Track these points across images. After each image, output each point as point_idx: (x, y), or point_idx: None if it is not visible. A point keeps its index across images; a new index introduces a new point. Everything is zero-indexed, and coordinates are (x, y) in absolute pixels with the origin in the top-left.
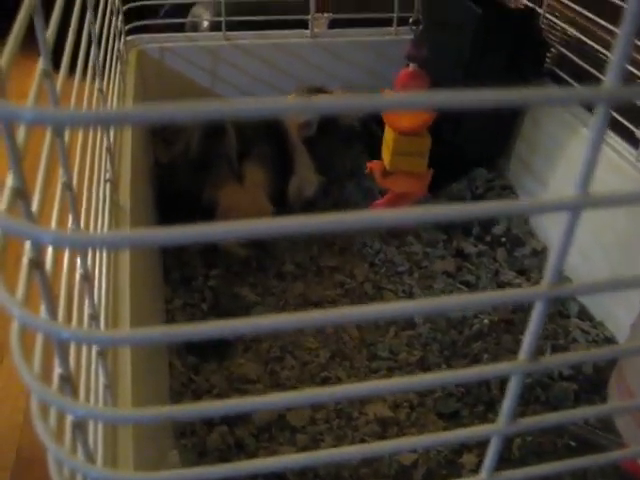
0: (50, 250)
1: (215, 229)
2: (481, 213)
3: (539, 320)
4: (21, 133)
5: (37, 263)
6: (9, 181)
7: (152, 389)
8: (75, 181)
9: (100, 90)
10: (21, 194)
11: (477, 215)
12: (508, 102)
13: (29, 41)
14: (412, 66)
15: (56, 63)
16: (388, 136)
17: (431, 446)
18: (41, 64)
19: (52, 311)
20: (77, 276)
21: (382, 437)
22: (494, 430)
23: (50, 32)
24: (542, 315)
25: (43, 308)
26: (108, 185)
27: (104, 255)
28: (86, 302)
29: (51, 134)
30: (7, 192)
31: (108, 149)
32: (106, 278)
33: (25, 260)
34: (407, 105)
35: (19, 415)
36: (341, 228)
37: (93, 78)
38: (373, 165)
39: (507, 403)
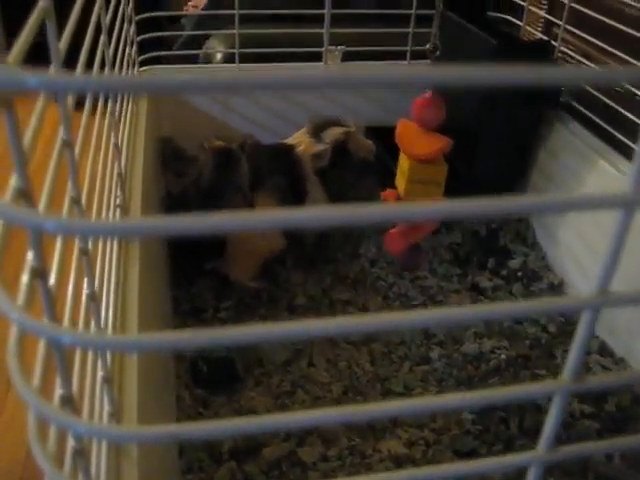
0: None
1: (224, 220)
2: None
3: (586, 333)
4: (27, 137)
5: (39, 271)
6: (12, 181)
7: (159, 421)
8: (83, 199)
9: (112, 114)
10: (24, 195)
11: (511, 209)
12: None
13: (37, 55)
14: (429, 92)
15: None
16: (403, 163)
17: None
18: (52, 70)
19: (53, 318)
20: (83, 296)
21: None
22: (534, 458)
23: (63, 42)
24: (590, 327)
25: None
26: (118, 211)
27: (112, 277)
28: (92, 323)
29: (60, 146)
30: (10, 192)
31: (120, 174)
32: (113, 304)
33: (27, 265)
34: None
35: (22, 449)
36: (361, 221)
37: (105, 104)
38: (387, 194)
39: (549, 427)
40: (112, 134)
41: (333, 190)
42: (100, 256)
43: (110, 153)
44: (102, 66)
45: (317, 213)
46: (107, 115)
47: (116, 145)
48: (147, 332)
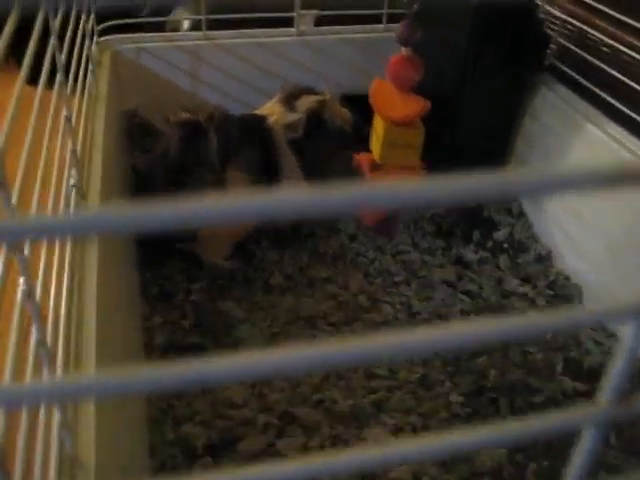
0: None
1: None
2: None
3: (632, 347)
4: None
5: None
6: None
7: (125, 418)
8: (37, 185)
9: (63, 85)
10: None
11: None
12: None
13: None
14: (405, 51)
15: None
16: (378, 126)
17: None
18: None
19: None
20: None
21: None
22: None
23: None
24: (637, 341)
25: None
26: (73, 191)
27: (66, 264)
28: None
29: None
30: None
31: (73, 151)
32: (67, 296)
33: None
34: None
35: None
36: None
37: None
38: (361, 157)
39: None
40: (64, 107)
41: (308, 162)
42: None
43: (61, 128)
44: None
45: (291, 200)
46: (55, 86)
47: (68, 119)
48: (108, 331)
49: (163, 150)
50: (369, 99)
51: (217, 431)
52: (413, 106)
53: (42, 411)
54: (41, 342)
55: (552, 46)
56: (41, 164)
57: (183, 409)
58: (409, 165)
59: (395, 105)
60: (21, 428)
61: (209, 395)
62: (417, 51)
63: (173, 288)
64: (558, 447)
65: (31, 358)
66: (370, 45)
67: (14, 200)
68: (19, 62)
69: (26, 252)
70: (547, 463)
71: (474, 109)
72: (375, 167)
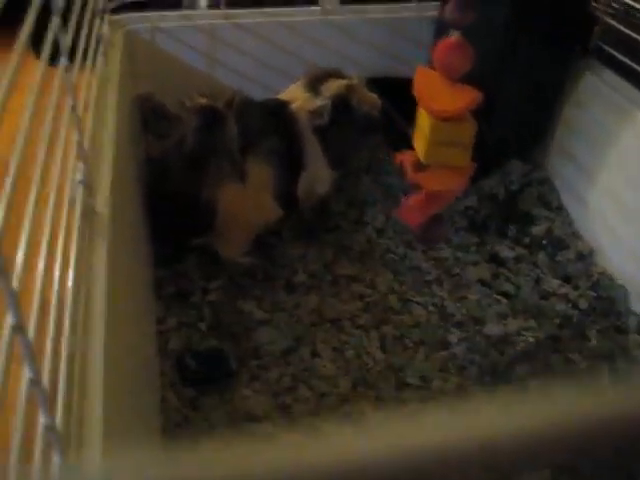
0: None
1: None
2: None
3: None
4: None
5: None
6: None
7: (139, 429)
8: (36, 179)
9: (67, 71)
10: None
11: None
12: None
13: None
14: (454, 35)
15: None
16: (423, 122)
17: None
18: None
19: None
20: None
21: None
22: None
23: None
24: None
25: None
26: (80, 187)
27: (71, 262)
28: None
29: None
30: None
31: (79, 142)
32: (72, 296)
33: None
34: None
35: None
36: None
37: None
38: (404, 156)
39: None
40: (69, 96)
41: (333, 151)
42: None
43: (66, 117)
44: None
45: None
46: (59, 72)
47: (73, 107)
48: (117, 336)
49: (179, 137)
50: (412, 90)
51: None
52: (463, 98)
53: None
54: (34, 381)
55: (597, 27)
56: (41, 157)
57: (200, 422)
58: (458, 165)
59: (443, 97)
60: None
61: (228, 406)
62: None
63: (189, 287)
64: (608, 471)
65: (23, 395)
66: (400, 25)
67: (3, 208)
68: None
69: (21, 256)
70: None
71: (513, 96)
72: (419, 167)
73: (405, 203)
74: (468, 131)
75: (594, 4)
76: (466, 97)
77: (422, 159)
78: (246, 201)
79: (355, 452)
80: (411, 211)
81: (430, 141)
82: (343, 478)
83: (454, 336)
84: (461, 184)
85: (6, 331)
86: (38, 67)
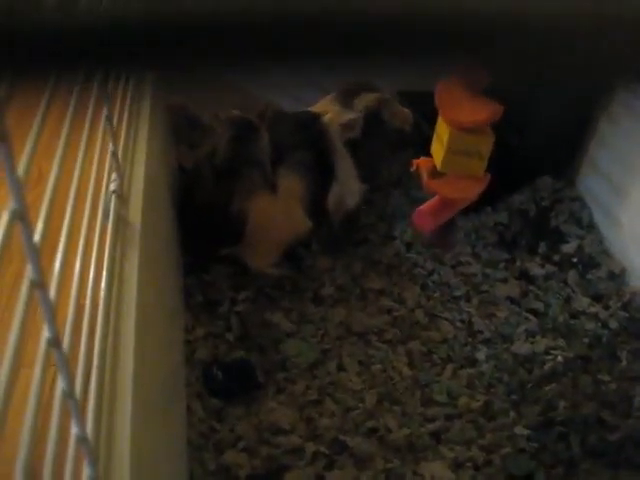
0: None
1: None
2: None
3: None
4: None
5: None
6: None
7: (166, 439)
8: (73, 189)
9: (103, 86)
10: None
11: None
12: None
13: None
14: None
15: None
16: (442, 130)
17: None
18: None
19: None
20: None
21: None
22: None
23: None
24: None
25: None
26: (114, 197)
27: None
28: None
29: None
30: None
31: (114, 153)
32: (104, 303)
33: None
34: None
35: None
36: None
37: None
38: (421, 162)
39: None
40: (105, 106)
41: (364, 164)
42: (83, 242)
43: (101, 130)
44: None
45: None
46: (95, 83)
47: (109, 118)
48: (147, 346)
49: (212, 148)
50: (434, 100)
51: (261, 459)
52: (483, 110)
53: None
54: (67, 393)
55: None
56: (77, 167)
57: (226, 434)
58: (473, 175)
59: (463, 108)
60: None
61: (254, 418)
62: None
63: (218, 297)
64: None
65: (57, 407)
66: None
67: (41, 223)
68: None
69: (57, 266)
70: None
71: (546, 111)
72: (435, 174)
73: (419, 209)
74: (486, 142)
75: None
76: (487, 110)
77: (438, 167)
78: (276, 212)
79: None
80: (424, 217)
81: (448, 150)
82: None
83: (482, 353)
84: (475, 192)
85: (42, 344)
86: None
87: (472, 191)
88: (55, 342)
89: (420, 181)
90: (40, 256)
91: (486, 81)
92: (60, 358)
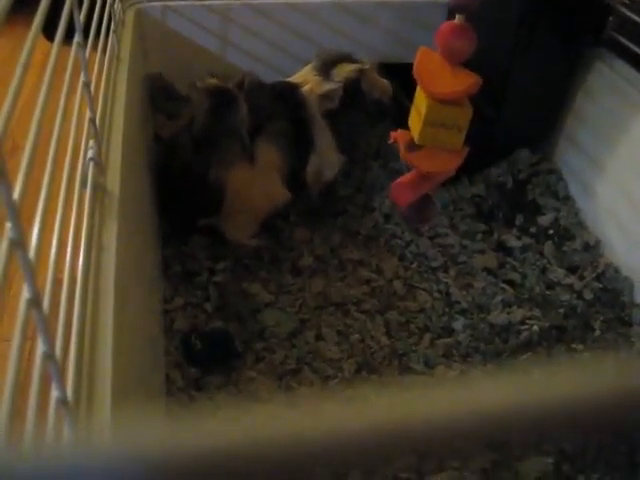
0: None
1: None
2: None
3: None
4: None
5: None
6: None
7: (145, 404)
8: (51, 155)
9: (80, 46)
10: None
11: None
12: None
13: None
14: (458, 18)
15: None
16: (420, 101)
17: None
18: None
19: None
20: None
21: None
22: None
23: None
24: None
25: None
26: (91, 165)
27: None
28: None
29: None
30: None
31: (92, 120)
32: (82, 273)
33: None
34: None
35: None
36: None
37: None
38: (398, 135)
39: None
40: (82, 73)
41: (343, 135)
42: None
43: (78, 95)
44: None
45: None
46: (72, 48)
47: (87, 85)
48: (125, 313)
49: (189, 118)
50: (413, 70)
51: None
52: (463, 82)
53: None
54: (48, 355)
55: (611, 17)
56: (54, 134)
57: (204, 401)
58: (451, 148)
59: (443, 79)
60: None
61: (233, 387)
62: (472, 17)
63: (196, 267)
64: (610, 459)
65: (37, 369)
66: (412, 10)
67: (20, 183)
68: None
69: (35, 232)
70: (597, 476)
71: (523, 84)
72: (412, 147)
73: (396, 183)
74: (464, 115)
75: None
76: (466, 81)
77: (416, 139)
78: (254, 183)
79: (356, 424)
80: (401, 190)
81: (425, 122)
82: (340, 451)
83: (459, 323)
84: (454, 166)
85: (22, 305)
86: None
87: (450, 164)
88: (35, 303)
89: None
90: (20, 221)
91: (467, 53)
92: (40, 319)
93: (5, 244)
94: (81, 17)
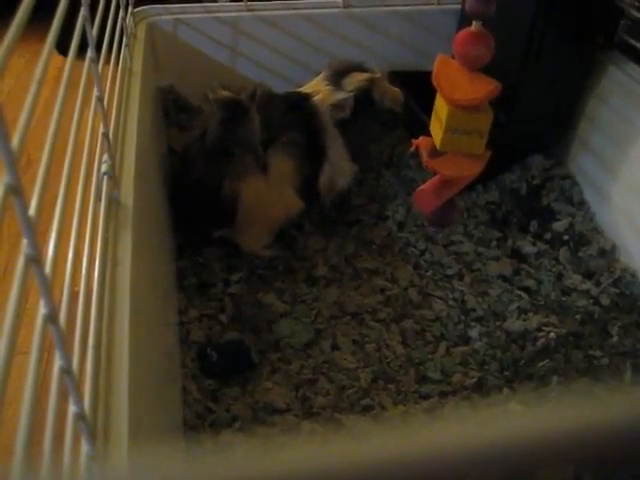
0: None
1: None
2: None
3: None
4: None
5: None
6: None
7: (162, 419)
8: (66, 169)
9: (93, 61)
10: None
11: None
12: None
13: None
14: (475, 25)
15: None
16: (440, 108)
17: None
18: None
19: None
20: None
21: None
22: None
23: None
24: None
25: None
26: (105, 179)
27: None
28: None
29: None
30: None
31: (105, 134)
32: (98, 285)
33: None
34: None
35: None
36: None
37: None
38: (420, 142)
39: None
40: (96, 87)
41: (355, 144)
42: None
43: (92, 109)
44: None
45: None
46: (85, 62)
47: (100, 99)
48: (141, 326)
49: (201, 130)
50: (432, 78)
51: (258, 439)
52: (482, 88)
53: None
54: (65, 369)
55: (623, 20)
56: (69, 149)
57: (221, 414)
58: (473, 153)
59: (462, 86)
60: None
61: (249, 398)
62: (490, 20)
63: (211, 278)
64: (632, 468)
65: (54, 384)
66: (422, 18)
67: (36, 199)
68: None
69: (51, 247)
70: None
71: (536, 88)
72: (435, 154)
73: (420, 190)
74: (485, 120)
75: None
76: (485, 87)
77: (438, 146)
78: (268, 193)
79: (374, 454)
80: (425, 197)
81: (446, 128)
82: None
83: (475, 331)
84: (476, 170)
85: (39, 320)
86: (57, 59)
87: (473, 169)
88: (52, 318)
89: (414, 161)
90: (36, 236)
91: (485, 59)
92: (57, 334)
93: (22, 260)
94: (93, 32)
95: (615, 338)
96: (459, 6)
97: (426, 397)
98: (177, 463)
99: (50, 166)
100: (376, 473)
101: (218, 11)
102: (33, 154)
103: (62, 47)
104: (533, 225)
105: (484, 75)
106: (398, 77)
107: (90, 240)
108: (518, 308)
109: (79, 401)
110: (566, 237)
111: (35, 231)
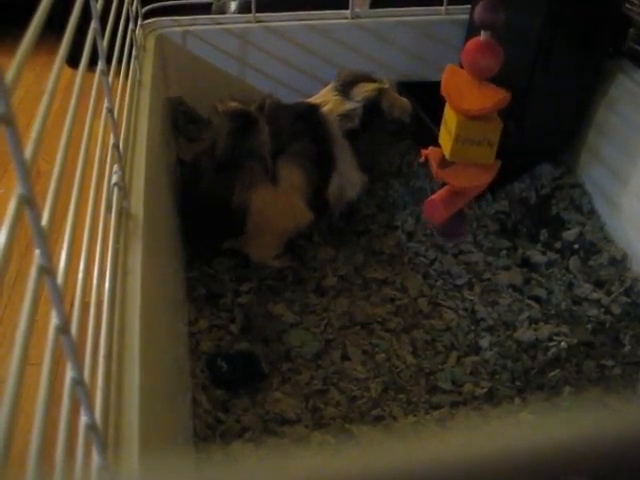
0: None
1: None
2: None
3: None
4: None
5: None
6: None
7: (173, 429)
8: (77, 180)
9: (104, 74)
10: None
11: None
12: None
13: None
14: (484, 35)
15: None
16: (449, 118)
17: None
18: None
19: None
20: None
21: None
22: None
23: None
24: None
25: None
26: (116, 190)
27: (108, 264)
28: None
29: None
30: None
31: (115, 145)
32: (109, 297)
33: None
34: None
35: None
36: None
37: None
38: (429, 152)
39: None
40: (106, 99)
41: (364, 155)
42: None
43: (102, 121)
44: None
45: None
46: (96, 75)
47: (110, 111)
48: (152, 336)
49: (211, 141)
50: (440, 88)
51: (268, 450)
52: (491, 97)
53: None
54: (77, 380)
55: (631, 29)
56: (80, 160)
57: (232, 425)
58: (483, 162)
59: (471, 96)
60: None
61: (260, 409)
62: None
63: (220, 289)
64: None
65: (66, 395)
66: (430, 28)
67: (48, 209)
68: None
69: (63, 258)
70: None
71: (544, 97)
72: (444, 164)
73: (429, 200)
74: (494, 129)
75: (627, 5)
76: (494, 97)
77: (447, 156)
78: (277, 204)
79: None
80: (435, 207)
81: (456, 138)
82: None
83: (485, 341)
84: (486, 180)
85: (51, 331)
86: (66, 71)
87: (483, 179)
88: (64, 329)
89: (423, 170)
90: (49, 247)
91: (493, 69)
92: (69, 346)
93: (34, 270)
94: (104, 44)
95: (627, 347)
96: (467, 16)
97: (437, 407)
98: (187, 474)
99: (62, 178)
100: None
101: (227, 23)
102: (42, 165)
103: (72, 59)
104: (543, 234)
105: (493, 85)
106: (406, 87)
107: (101, 251)
108: (528, 318)
109: (90, 412)
110: (576, 246)
111: (47, 242)
